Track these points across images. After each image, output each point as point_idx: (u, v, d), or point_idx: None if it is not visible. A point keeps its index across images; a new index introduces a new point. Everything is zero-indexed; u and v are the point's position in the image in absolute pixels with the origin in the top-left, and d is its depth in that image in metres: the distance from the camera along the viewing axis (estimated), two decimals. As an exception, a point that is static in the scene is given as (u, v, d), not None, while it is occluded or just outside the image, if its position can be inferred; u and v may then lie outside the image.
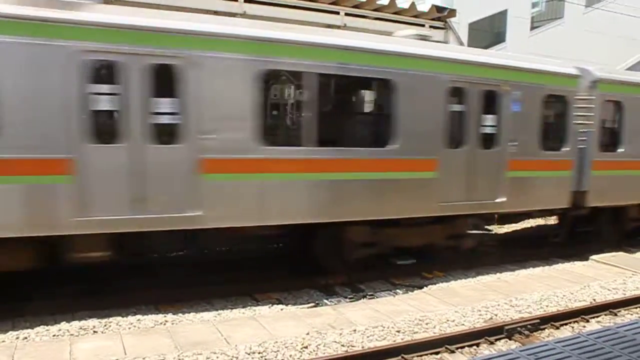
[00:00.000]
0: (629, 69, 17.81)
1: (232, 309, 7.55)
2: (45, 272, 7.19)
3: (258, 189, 7.57)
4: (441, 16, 14.13)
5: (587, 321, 7.07)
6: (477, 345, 6.19)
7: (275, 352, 5.62)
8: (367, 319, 6.75)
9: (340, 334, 6.18)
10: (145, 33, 6.78)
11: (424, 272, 9.67)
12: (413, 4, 13.56)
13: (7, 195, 6.31)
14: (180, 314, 7.22)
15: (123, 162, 6.77)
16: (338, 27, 12.15)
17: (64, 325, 6.56)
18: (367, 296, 8.40)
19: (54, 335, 6.31)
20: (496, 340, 6.30)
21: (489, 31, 29.36)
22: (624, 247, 11.58)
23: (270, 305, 7.77)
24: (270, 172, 7.63)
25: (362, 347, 5.85)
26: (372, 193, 8.43)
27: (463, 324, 6.68)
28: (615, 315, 7.34)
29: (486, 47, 20.89)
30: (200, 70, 7.04)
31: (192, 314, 7.28)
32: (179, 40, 6.95)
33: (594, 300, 7.85)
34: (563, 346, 4.93)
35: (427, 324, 6.61)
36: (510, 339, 6.36)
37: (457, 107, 9.14)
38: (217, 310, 7.49)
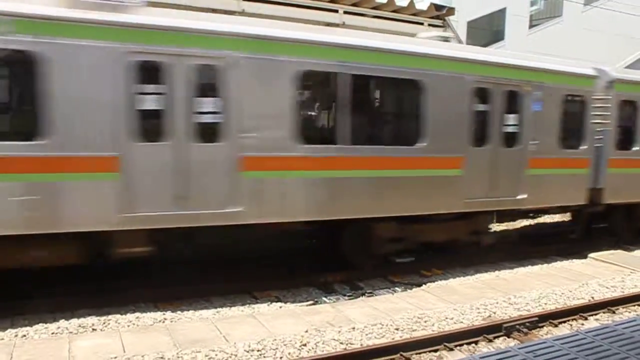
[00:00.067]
0: (628, 67, 17.84)
1: (231, 306, 7.57)
2: (44, 271, 7.18)
3: (295, 186, 7.76)
4: (440, 14, 14.13)
5: (586, 319, 7.08)
6: (476, 342, 6.19)
7: (274, 349, 5.63)
8: (366, 317, 6.76)
9: (339, 331, 6.18)
10: (191, 35, 6.95)
11: (422, 270, 9.69)
12: (412, 2, 13.53)
13: (62, 191, 6.48)
14: (179, 312, 7.23)
15: (167, 160, 6.96)
16: (337, 25, 12.11)
17: (62, 323, 6.57)
18: (366, 294, 8.41)
19: (52, 333, 6.31)
20: (495, 338, 6.31)
21: (488, 29, 29.41)
22: (623, 245, 11.63)
23: (269, 303, 7.79)
24: (306, 169, 7.84)
25: (361, 344, 5.86)
26: (402, 190, 8.63)
27: (462, 322, 6.69)
28: (614, 312, 7.36)
29: (485, 46, 20.86)
30: (242, 71, 7.22)
31: (191, 311, 7.29)
32: (222, 42, 7.15)
33: (593, 298, 7.87)
34: (561, 344, 4.94)
35: (425, 321, 6.62)
36: (508, 337, 6.37)
37: (481, 107, 9.41)
38: (216, 308, 7.50)
